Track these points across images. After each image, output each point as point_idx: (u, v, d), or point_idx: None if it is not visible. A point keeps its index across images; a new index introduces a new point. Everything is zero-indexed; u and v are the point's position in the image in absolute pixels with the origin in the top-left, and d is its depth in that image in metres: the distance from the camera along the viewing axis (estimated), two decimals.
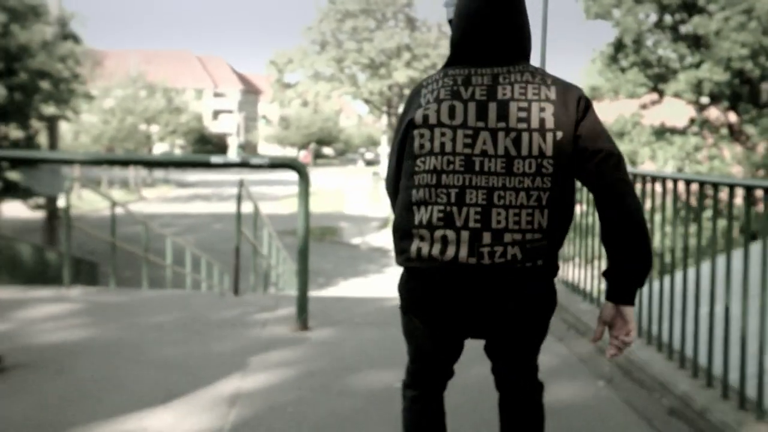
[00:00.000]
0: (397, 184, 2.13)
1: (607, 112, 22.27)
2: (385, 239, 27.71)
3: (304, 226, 4.86)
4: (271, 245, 10.52)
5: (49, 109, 15.27)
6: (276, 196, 40.61)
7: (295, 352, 4.38)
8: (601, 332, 2.04)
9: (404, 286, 2.08)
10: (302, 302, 4.90)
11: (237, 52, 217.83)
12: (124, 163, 4.99)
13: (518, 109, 1.93)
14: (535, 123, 1.92)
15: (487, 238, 1.90)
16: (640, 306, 4.37)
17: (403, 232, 2.02)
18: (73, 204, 36.16)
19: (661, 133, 17.78)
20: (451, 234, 1.92)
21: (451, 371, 2.24)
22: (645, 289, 4.57)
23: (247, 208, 8.45)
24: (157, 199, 41.90)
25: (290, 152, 75.60)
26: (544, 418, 2.23)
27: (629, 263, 1.96)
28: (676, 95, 17.58)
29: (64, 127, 39.05)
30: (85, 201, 37.86)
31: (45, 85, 15.28)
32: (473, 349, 2.28)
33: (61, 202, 33.74)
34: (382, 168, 43.23)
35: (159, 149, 58.59)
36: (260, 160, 4.79)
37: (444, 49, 40.21)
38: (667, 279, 4.77)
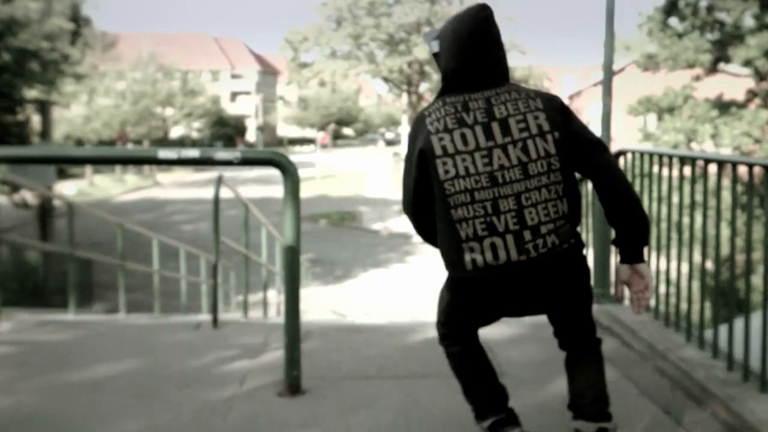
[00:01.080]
0: (417, 208, 2.46)
1: (647, 85, 20.51)
2: (406, 224, 26.26)
3: (292, 244, 3.42)
4: (272, 246, 9.12)
5: (31, 93, 13.90)
6: None
7: None
8: (622, 291, 2.75)
9: (455, 290, 2.43)
10: (292, 353, 3.47)
11: (254, 32, 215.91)
12: (49, 161, 3.60)
13: (517, 122, 2.30)
14: (534, 130, 2.29)
15: (527, 235, 2.24)
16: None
17: (452, 248, 2.32)
18: (85, 191, 35.21)
19: (725, 107, 15.64)
20: (498, 240, 2.25)
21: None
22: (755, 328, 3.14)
23: (263, 192, 7.09)
24: (173, 184, 40.62)
25: (309, 133, 74.16)
26: (604, 367, 2.57)
27: (632, 229, 2.34)
28: (747, 62, 15.46)
29: (74, 111, 37.92)
30: (98, 188, 36.77)
31: (34, 66, 13.94)
32: None
33: (70, 191, 32.62)
34: (403, 148, 41.67)
35: (176, 133, 57.38)
36: (229, 154, 3.35)
37: None
38: None
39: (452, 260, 2.32)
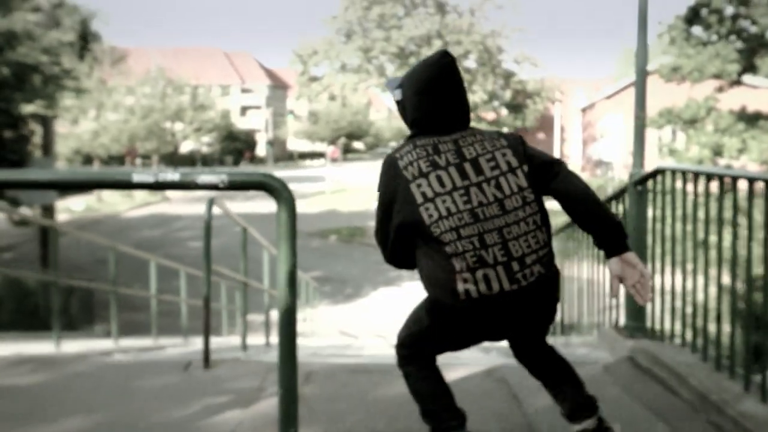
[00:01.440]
0: (395, 247, 2.53)
1: (664, 96, 20.00)
2: None
3: (287, 285, 2.94)
4: (276, 267, 8.62)
5: (28, 108, 13.53)
6: (303, 194, 38.74)
7: None
8: (618, 287, 2.43)
9: (440, 317, 2.46)
10: (288, 407, 2.97)
11: (265, 46, 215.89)
12: (5, 186, 3.14)
13: (487, 161, 2.42)
14: (504, 167, 2.42)
15: (516, 266, 2.35)
16: None
17: (444, 278, 2.37)
18: (93, 207, 34.91)
19: (752, 119, 14.90)
20: (490, 272, 2.33)
21: None
22: None
23: (271, 207, 6.61)
24: (182, 199, 40.27)
25: (319, 147, 73.86)
26: (568, 361, 2.74)
27: (604, 223, 2.40)
28: None
29: (83, 126, 37.74)
30: (106, 203, 36.48)
31: (35, 80, 13.59)
32: None
33: (78, 206, 32.26)
34: None
35: (186, 147, 57.22)
36: (214, 177, 2.87)
37: (477, 35, 38.12)
38: None
39: (444, 290, 2.37)
